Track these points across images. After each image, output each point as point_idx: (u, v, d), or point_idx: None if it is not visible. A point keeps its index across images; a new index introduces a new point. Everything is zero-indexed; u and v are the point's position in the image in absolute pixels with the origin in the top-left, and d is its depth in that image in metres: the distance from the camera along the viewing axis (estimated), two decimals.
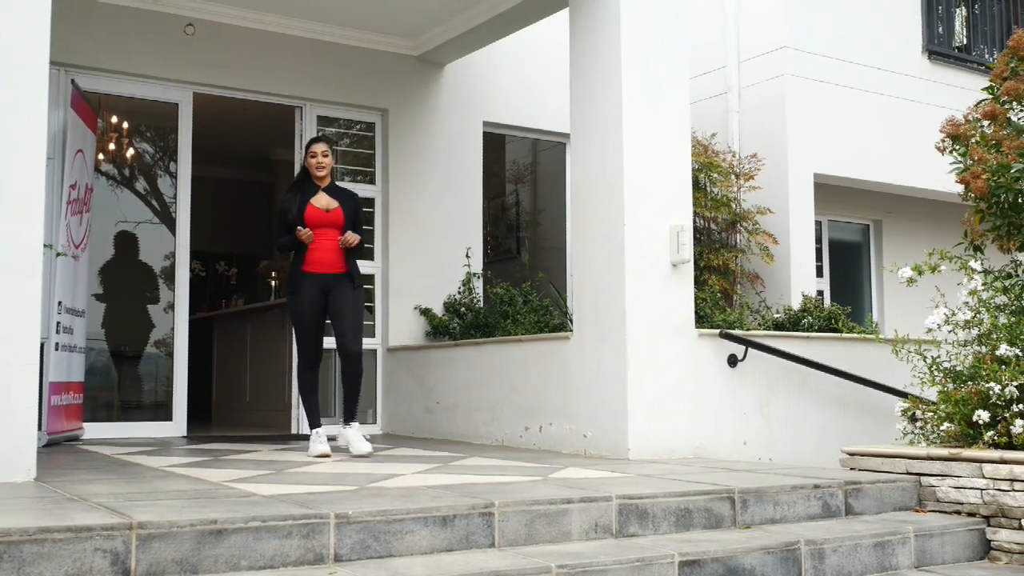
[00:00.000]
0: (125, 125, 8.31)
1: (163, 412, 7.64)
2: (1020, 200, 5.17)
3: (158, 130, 8.68)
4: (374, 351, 8.16)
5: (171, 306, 7.74)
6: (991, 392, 4.74)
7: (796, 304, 8.15)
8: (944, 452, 4.65)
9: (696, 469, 5.08)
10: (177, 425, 7.48)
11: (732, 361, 6.26)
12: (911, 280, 5.41)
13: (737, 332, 6.43)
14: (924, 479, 4.68)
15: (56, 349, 6.27)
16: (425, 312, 8.28)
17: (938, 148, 5.75)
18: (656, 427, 5.81)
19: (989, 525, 4.39)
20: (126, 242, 8.18)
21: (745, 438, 6.28)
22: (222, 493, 3.78)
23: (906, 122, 9.73)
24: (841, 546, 3.90)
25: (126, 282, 8.19)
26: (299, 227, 5.69)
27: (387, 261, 8.27)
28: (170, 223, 7.98)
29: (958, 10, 10.97)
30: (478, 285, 8.53)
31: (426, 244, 8.41)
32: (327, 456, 5.52)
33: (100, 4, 7.30)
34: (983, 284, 5.30)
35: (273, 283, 11.11)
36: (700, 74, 9.37)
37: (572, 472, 4.86)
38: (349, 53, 8.28)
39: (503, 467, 5.11)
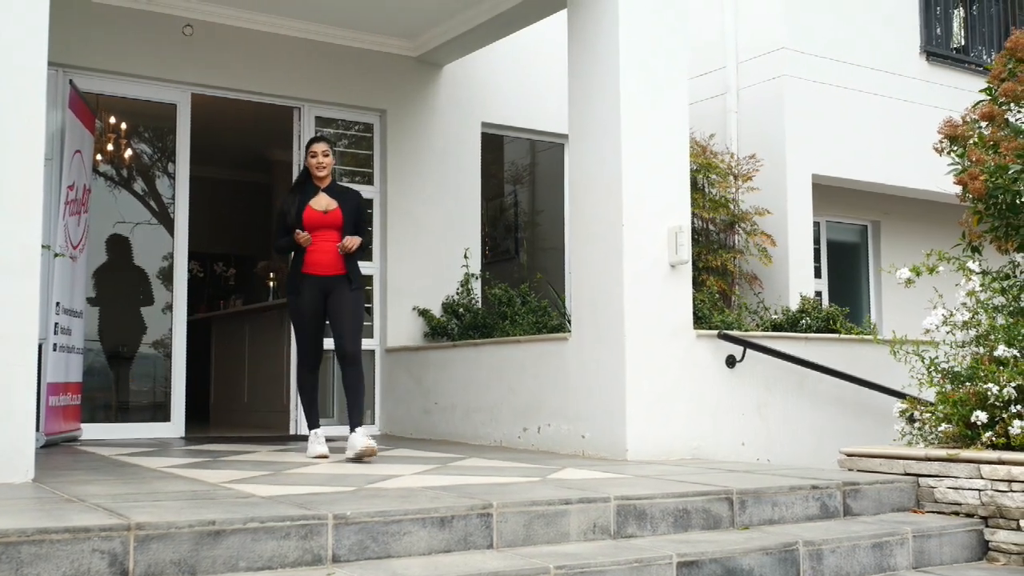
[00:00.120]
0: (123, 126, 8.31)
1: (161, 413, 7.63)
2: (1018, 201, 5.17)
3: (156, 131, 8.68)
4: (372, 352, 8.16)
5: (169, 307, 7.73)
6: (989, 393, 4.75)
7: (794, 305, 8.15)
8: (942, 453, 4.65)
9: (694, 470, 5.08)
10: (175, 426, 7.48)
11: (730, 362, 6.27)
12: (909, 281, 5.42)
13: (735, 333, 6.43)
14: (922, 480, 4.68)
15: (54, 350, 6.27)
16: (423, 313, 8.27)
17: (936, 149, 5.75)
18: (654, 428, 5.82)
19: (987, 526, 4.39)
20: (121, 244, 8.17)
21: (743, 439, 6.28)
22: (220, 494, 3.78)
23: (904, 123, 9.74)
24: (839, 547, 3.90)
25: (123, 284, 8.18)
26: (297, 230, 5.62)
27: (385, 262, 8.27)
28: (168, 224, 7.97)
29: (956, 11, 10.98)
30: (476, 286, 8.53)
31: (424, 245, 8.41)
32: (325, 457, 5.52)
33: (98, 5, 7.29)
34: (981, 285, 5.31)
35: (271, 284, 11.09)
36: (699, 75, 9.38)
37: (570, 473, 4.86)
38: (347, 54, 8.27)
39: (501, 468, 5.11)
